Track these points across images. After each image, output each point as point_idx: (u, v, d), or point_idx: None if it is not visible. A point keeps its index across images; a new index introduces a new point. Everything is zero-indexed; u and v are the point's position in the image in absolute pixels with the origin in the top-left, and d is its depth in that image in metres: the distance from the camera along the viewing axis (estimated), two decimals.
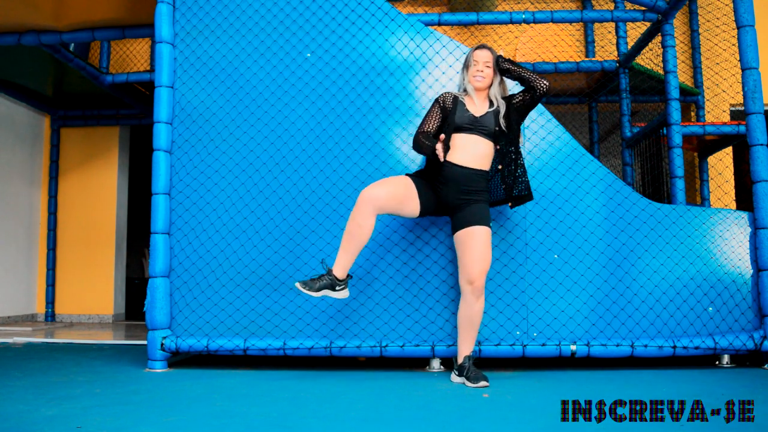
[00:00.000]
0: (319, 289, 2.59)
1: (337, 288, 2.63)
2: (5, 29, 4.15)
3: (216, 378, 2.81)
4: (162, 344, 3.06)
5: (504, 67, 2.74)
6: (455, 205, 2.68)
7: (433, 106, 2.76)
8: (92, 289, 6.04)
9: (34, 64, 4.93)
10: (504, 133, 2.73)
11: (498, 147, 2.71)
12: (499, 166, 2.75)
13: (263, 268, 3.15)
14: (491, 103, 2.75)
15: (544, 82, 2.69)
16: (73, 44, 5.11)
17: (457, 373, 2.70)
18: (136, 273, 7.87)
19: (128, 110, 6.02)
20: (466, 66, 2.79)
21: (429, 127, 2.73)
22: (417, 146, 2.70)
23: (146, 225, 3.59)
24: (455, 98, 2.75)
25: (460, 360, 2.69)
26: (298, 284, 2.59)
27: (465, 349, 2.68)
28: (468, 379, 2.60)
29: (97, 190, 6.13)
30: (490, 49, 2.77)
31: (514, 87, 3.08)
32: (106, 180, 6.14)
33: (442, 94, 2.77)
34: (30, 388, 2.52)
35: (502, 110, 2.73)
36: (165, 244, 3.15)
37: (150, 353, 3.06)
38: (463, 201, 2.67)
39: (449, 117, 2.70)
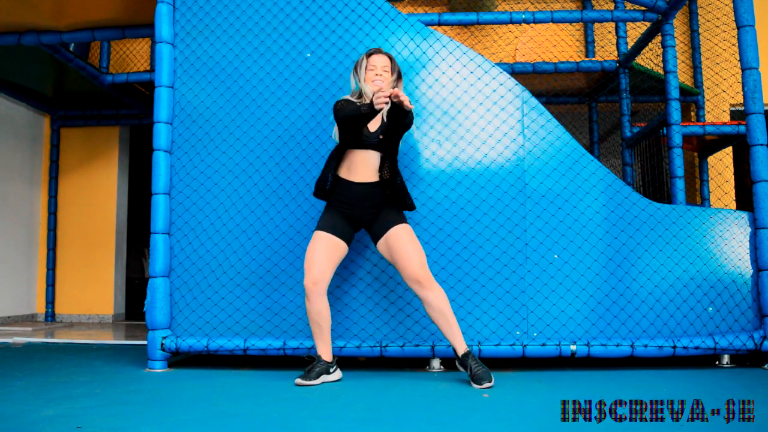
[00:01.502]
0: (317, 377, 2.63)
1: (331, 370, 2.69)
2: (5, 29, 4.15)
3: (216, 378, 2.81)
4: (162, 344, 3.06)
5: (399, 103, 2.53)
6: (367, 220, 2.72)
7: (342, 103, 2.69)
8: (92, 289, 6.04)
9: (34, 64, 4.93)
10: (386, 141, 2.70)
11: (389, 162, 2.69)
12: (398, 180, 2.71)
13: (263, 268, 3.15)
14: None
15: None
16: (73, 44, 5.11)
17: (459, 363, 2.65)
18: (136, 273, 7.87)
19: (128, 110, 6.02)
20: (356, 70, 2.77)
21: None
22: (344, 115, 2.60)
23: (146, 225, 3.59)
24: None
25: (458, 353, 2.64)
26: (297, 381, 2.61)
27: (456, 343, 2.63)
28: (472, 379, 2.56)
29: (97, 190, 6.13)
30: (385, 53, 2.79)
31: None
32: (106, 180, 6.14)
33: (340, 100, 2.71)
34: (30, 388, 2.52)
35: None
36: (165, 244, 3.15)
37: (150, 353, 3.06)
38: (373, 213, 2.71)
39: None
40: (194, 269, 3.18)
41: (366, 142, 2.70)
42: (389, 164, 2.71)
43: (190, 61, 3.30)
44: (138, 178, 6.91)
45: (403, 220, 2.72)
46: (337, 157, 2.74)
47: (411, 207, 2.78)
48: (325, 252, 2.67)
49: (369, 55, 2.78)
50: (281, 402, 2.27)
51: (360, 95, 2.78)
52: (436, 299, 2.61)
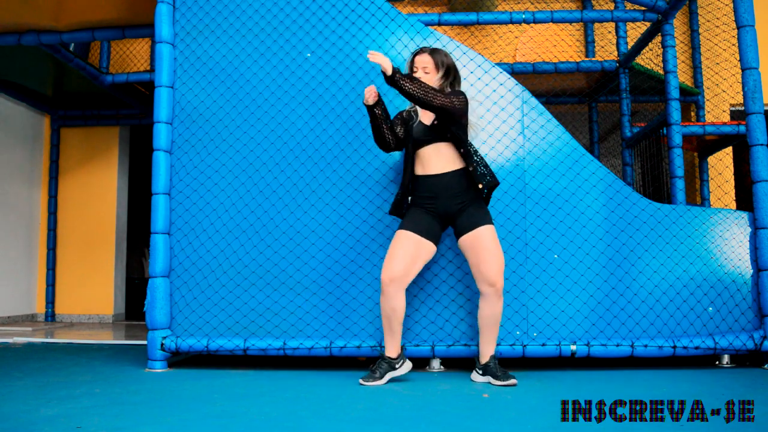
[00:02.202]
0: (382, 376, 2.63)
1: (397, 366, 2.69)
2: (5, 29, 4.15)
3: (216, 378, 2.81)
4: (162, 344, 3.06)
5: (395, 80, 2.49)
6: (454, 211, 2.67)
7: (397, 117, 2.81)
8: (92, 289, 6.04)
9: (34, 64, 4.93)
10: (447, 130, 2.67)
11: (462, 150, 2.66)
12: (470, 168, 2.67)
13: (263, 268, 3.15)
14: None
15: (430, 98, 2.51)
16: (73, 44, 5.11)
17: (480, 372, 2.70)
18: (136, 273, 7.86)
19: (128, 110, 6.01)
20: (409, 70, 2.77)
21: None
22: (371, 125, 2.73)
23: (146, 225, 3.59)
24: (409, 112, 2.79)
25: (484, 360, 2.69)
26: (361, 381, 2.62)
27: (490, 349, 2.69)
28: (496, 377, 2.61)
29: (97, 190, 6.13)
30: (429, 52, 2.74)
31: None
32: (106, 180, 6.14)
33: (399, 113, 2.82)
34: (30, 388, 2.52)
35: None
36: (165, 244, 3.15)
37: (150, 353, 3.06)
38: (460, 204, 2.66)
39: (409, 125, 2.73)
40: (194, 269, 3.18)
41: (426, 138, 2.68)
42: (463, 153, 2.66)
43: (190, 61, 3.30)
44: (138, 178, 6.91)
45: (490, 221, 2.68)
46: (408, 163, 2.72)
47: (493, 182, 2.69)
48: (406, 248, 2.63)
49: (414, 55, 2.76)
50: (281, 402, 2.27)
51: None
52: (500, 306, 2.63)
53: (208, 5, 3.33)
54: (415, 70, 2.73)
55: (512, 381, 2.59)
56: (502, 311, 2.67)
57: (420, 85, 2.52)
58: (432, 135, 2.68)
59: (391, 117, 2.85)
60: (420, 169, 2.71)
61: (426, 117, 2.74)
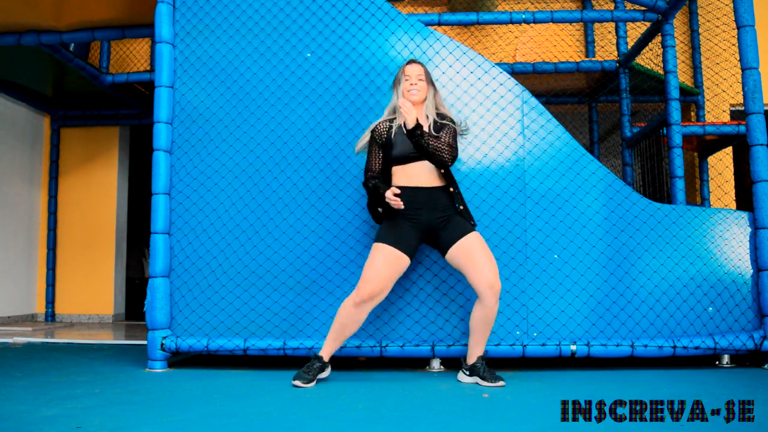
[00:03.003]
0: (314, 377, 2.64)
1: (325, 369, 2.71)
2: (5, 29, 4.15)
3: (216, 378, 2.81)
4: (162, 344, 3.06)
5: (415, 134, 2.58)
6: (438, 225, 2.68)
7: (370, 143, 2.79)
8: (92, 289, 6.04)
9: (34, 64, 4.93)
10: (425, 153, 2.68)
11: (443, 171, 2.70)
12: (451, 189, 2.72)
13: (263, 268, 3.15)
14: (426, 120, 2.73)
15: (446, 156, 2.61)
16: (73, 44, 5.11)
17: (468, 373, 2.70)
18: (136, 273, 7.87)
19: (128, 110, 6.02)
20: (396, 85, 2.79)
21: (374, 166, 2.77)
22: (369, 194, 2.74)
23: (146, 225, 3.59)
24: (389, 128, 2.75)
25: (471, 360, 2.69)
26: (295, 383, 2.61)
27: (479, 350, 2.68)
28: (484, 379, 2.61)
29: (97, 190, 6.13)
30: (421, 63, 2.81)
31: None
32: (106, 180, 6.14)
33: (375, 127, 2.79)
34: (30, 388, 2.52)
35: (433, 125, 2.73)
36: (165, 244, 3.15)
37: (150, 353, 3.06)
38: (443, 218, 2.68)
39: (387, 150, 2.72)
40: (194, 269, 3.18)
41: (411, 154, 2.68)
42: (444, 173, 2.71)
43: (190, 61, 3.30)
44: (138, 178, 6.91)
45: (474, 228, 2.70)
46: (384, 173, 2.72)
47: (468, 213, 2.75)
48: (390, 267, 2.62)
49: (405, 65, 2.80)
50: (281, 402, 2.28)
51: (395, 110, 2.80)
52: (495, 308, 2.61)
53: (208, 5, 3.33)
54: (407, 78, 2.75)
55: (500, 383, 2.58)
56: (495, 315, 2.66)
57: (437, 143, 2.61)
58: (417, 152, 2.67)
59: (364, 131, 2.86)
60: (405, 181, 2.70)
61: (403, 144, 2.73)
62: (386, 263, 2.61)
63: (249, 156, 3.22)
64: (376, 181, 2.73)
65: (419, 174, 2.69)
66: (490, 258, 2.63)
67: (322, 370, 2.68)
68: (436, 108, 2.80)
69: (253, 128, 3.24)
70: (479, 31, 5.78)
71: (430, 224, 2.68)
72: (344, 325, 2.64)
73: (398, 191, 2.60)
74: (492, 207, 3.10)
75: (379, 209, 2.75)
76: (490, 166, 3.13)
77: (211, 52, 3.30)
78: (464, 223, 2.69)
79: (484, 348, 2.71)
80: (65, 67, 4.90)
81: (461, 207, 2.71)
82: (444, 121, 2.76)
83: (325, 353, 2.68)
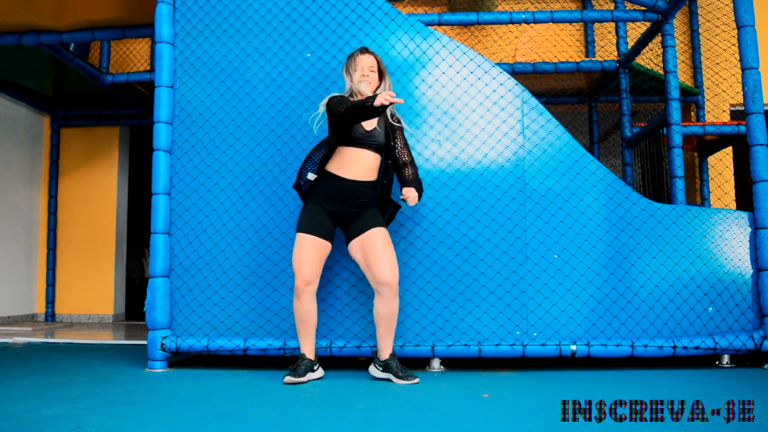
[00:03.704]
0: (304, 374, 2.65)
1: (315, 368, 2.72)
2: (5, 29, 4.15)
3: (216, 378, 2.81)
4: (162, 344, 3.06)
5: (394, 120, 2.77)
6: (347, 216, 2.72)
7: (336, 106, 2.68)
8: (92, 289, 6.04)
9: (34, 64, 4.93)
10: (390, 146, 2.76)
11: (389, 161, 2.74)
12: (384, 180, 2.77)
13: (263, 268, 3.15)
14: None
15: (408, 171, 2.78)
16: (73, 44, 5.11)
17: (381, 368, 2.73)
18: (136, 273, 7.86)
19: (128, 110, 6.02)
20: (347, 69, 2.81)
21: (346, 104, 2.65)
22: (345, 118, 2.59)
23: (146, 225, 3.59)
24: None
25: (383, 356, 2.72)
26: (287, 379, 2.63)
27: (387, 346, 2.71)
28: (397, 376, 2.65)
29: (97, 190, 6.13)
30: (374, 54, 2.82)
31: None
32: (106, 180, 6.14)
33: (334, 95, 2.75)
34: (30, 388, 2.52)
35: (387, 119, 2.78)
36: (165, 244, 3.15)
37: (150, 353, 3.06)
38: (355, 211, 2.71)
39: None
40: (194, 269, 3.18)
41: (361, 140, 2.71)
42: (389, 171, 2.75)
43: (190, 61, 3.30)
44: (138, 178, 6.91)
45: (383, 224, 2.74)
46: (327, 152, 2.71)
47: (386, 222, 2.81)
48: (313, 253, 2.67)
49: (357, 54, 2.81)
50: (281, 402, 2.27)
51: (352, 94, 2.82)
52: (393, 306, 2.65)
53: (208, 5, 3.33)
54: (360, 68, 2.77)
55: (415, 380, 2.61)
56: (398, 309, 2.69)
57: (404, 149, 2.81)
58: (365, 141, 2.70)
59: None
60: (337, 168, 2.71)
61: (366, 123, 2.74)
62: (309, 251, 2.66)
63: (249, 156, 3.22)
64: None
65: (352, 162, 2.69)
66: (391, 255, 2.66)
67: (311, 368, 2.69)
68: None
69: (253, 128, 3.24)
70: (479, 31, 5.78)
71: (341, 215, 2.73)
72: (301, 320, 2.70)
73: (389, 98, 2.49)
74: (492, 207, 3.10)
75: (302, 184, 2.76)
76: (490, 166, 3.13)
77: (211, 52, 3.30)
78: (375, 217, 2.71)
79: (392, 344, 2.73)
80: (65, 67, 4.90)
81: (382, 200, 2.74)
82: (394, 123, 2.82)
83: (305, 350, 2.71)
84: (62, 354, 3.66)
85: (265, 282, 3.14)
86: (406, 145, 2.84)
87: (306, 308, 2.68)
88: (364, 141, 2.71)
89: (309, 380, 2.67)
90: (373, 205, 2.76)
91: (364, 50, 2.83)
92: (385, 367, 2.71)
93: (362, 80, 2.76)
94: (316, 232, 2.68)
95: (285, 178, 3.19)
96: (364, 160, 2.71)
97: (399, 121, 2.85)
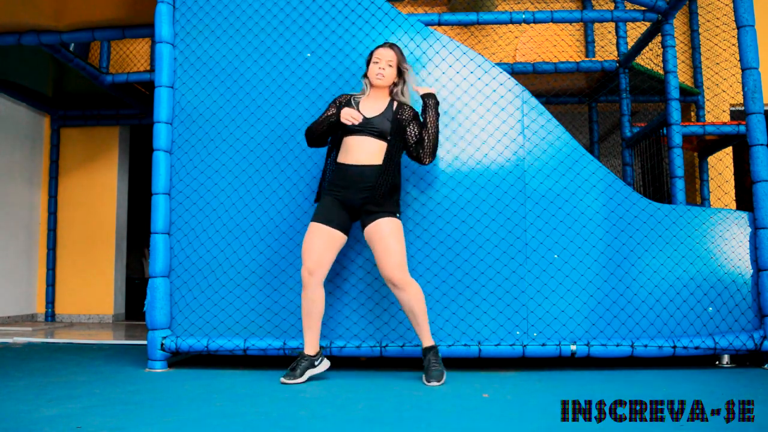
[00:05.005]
0: (302, 374, 2.64)
1: (316, 363, 2.71)
2: (5, 29, 4.15)
3: (216, 378, 2.81)
4: (162, 344, 3.06)
5: (426, 103, 2.81)
6: (360, 204, 2.72)
7: (329, 105, 2.85)
8: (92, 289, 6.04)
9: (34, 64, 4.93)
10: (395, 134, 2.76)
11: (392, 148, 2.75)
12: (397, 178, 2.78)
13: (263, 268, 3.15)
14: (390, 104, 2.80)
15: (428, 159, 2.80)
16: (73, 44, 5.11)
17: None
18: (136, 273, 7.87)
19: (128, 110, 6.01)
20: (368, 63, 2.85)
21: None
22: (310, 130, 2.81)
23: (146, 225, 3.59)
24: (349, 100, 2.83)
25: (424, 346, 2.70)
26: (282, 380, 2.63)
27: (421, 337, 2.69)
28: (425, 374, 2.63)
29: (97, 190, 6.13)
30: (394, 48, 2.82)
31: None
32: (106, 180, 6.14)
33: (339, 95, 2.89)
34: (30, 388, 2.52)
35: (396, 112, 2.79)
36: (165, 244, 3.15)
37: (150, 353, 3.06)
38: (366, 198, 2.70)
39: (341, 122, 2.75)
40: (194, 269, 3.18)
41: (360, 128, 2.73)
42: (391, 156, 2.73)
43: (190, 61, 3.30)
44: (138, 178, 6.91)
45: (394, 213, 2.72)
46: (332, 146, 2.82)
47: (394, 211, 2.77)
48: (321, 242, 2.68)
49: (378, 47, 2.84)
50: (281, 402, 2.27)
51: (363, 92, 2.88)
52: (407, 298, 2.64)
53: (208, 5, 3.33)
54: (376, 60, 2.79)
55: (434, 383, 2.57)
56: (417, 299, 2.64)
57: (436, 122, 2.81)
58: (366, 128, 2.73)
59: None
60: (342, 157, 2.76)
61: (367, 108, 2.78)
62: (316, 239, 2.68)
63: (249, 156, 3.22)
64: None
65: (356, 148, 2.72)
66: (393, 249, 2.64)
67: (311, 365, 2.68)
68: (401, 95, 2.83)
69: (253, 128, 3.24)
70: (479, 31, 5.78)
71: (351, 204, 2.73)
72: (306, 311, 2.68)
73: (354, 114, 2.67)
74: (492, 207, 3.09)
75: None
76: (490, 166, 3.13)
77: (211, 52, 3.30)
78: (386, 205, 2.70)
79: (430, 337, 2.69)
80: (65, 67, 4.90)
81: (385, 190, 2.69)
82: (412, 117, 2.83)
83: (308, 346, 2.69)
84: (62, 354, 3.66)
85: (265, 282, 3.14)
86: (423, 125, 2.81)
87: (309, 296, 2.67)
88: (363, 128, 2.73)
89: (308, 379, 2.66)
90: (383, 195, 2.70)
91: (386, 44, 2.85)
92: (423, 359, 2.69)
93: (378, 73, 2.77)
94: (325, 220, 2.69)
95: (285, 178, 3.19)
96: (366, 145, 2.73)
97: (411, 117, 2.83)
